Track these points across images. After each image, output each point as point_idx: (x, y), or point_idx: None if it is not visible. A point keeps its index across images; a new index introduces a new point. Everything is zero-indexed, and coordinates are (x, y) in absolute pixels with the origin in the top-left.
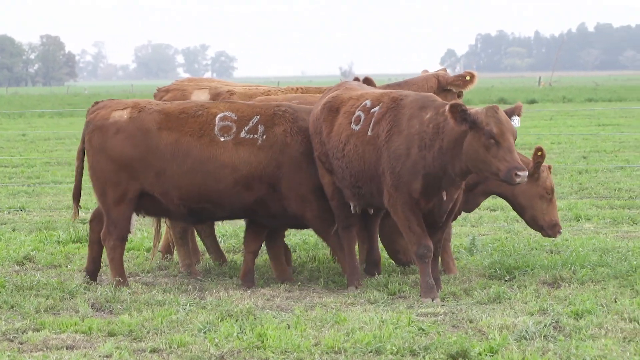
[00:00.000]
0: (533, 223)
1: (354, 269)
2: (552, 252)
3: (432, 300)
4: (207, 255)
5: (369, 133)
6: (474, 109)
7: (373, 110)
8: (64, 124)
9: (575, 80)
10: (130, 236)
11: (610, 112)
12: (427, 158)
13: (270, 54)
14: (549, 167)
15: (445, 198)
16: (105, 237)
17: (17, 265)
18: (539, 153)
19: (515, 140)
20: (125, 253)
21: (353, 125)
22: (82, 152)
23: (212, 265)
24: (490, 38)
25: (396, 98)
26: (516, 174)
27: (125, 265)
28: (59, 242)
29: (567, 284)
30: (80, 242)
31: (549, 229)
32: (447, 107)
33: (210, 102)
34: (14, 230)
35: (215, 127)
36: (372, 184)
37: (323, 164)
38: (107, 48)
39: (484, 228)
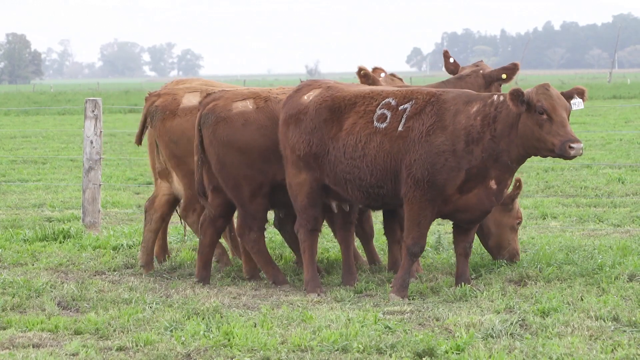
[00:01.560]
0: (496, 250)
1: (315, 276)
2: (524, 251)
3: (402, 299)
4: (174, 254)
5: (400, 128)
6: (527, 89)
7: (402, 107)
8: (30, 122)
9: (542, 78)
10: (96, 234)
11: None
12: (474, 152)
13: (237, 52)
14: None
15: (495, 187)
16: (244, 231)
17: None
18: (517, 184)
19: (569, 116)
20: (92, 251)
21: (377, 124)
22: (200, 145)
23: (179, 263)
24: (456, 36)
25: (435, 93)
26: (570, 146)
27: (91, 263)
28: (25, 240)
29: (533, 282)
30: (47, 240)
31: (513, 257)
32: (508, 94)
33: None
34: None
35: None
36: (396, 181)
37: (306, 164)
38: (73, 46)
39: (450, 226)
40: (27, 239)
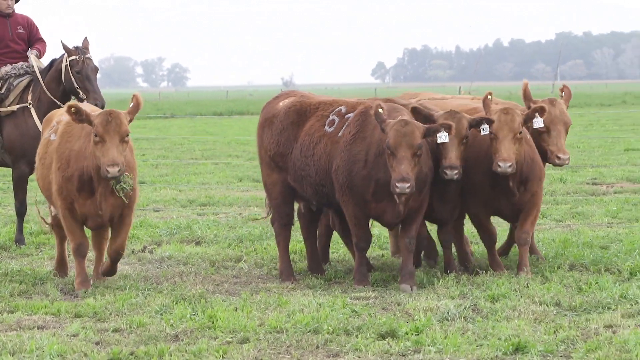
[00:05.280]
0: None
1: (288, 265)
2: (472, 243)
3: (364, 287)
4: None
5: (339, 134)
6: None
7: (348, 115)
8: None
9: (492, 89)
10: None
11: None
12: (379, 163)
13: (220, 66)
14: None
15: (399, 200)
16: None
17: None
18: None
19: (413, 153)
20: (90, 243)
21: (327, 128)
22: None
23: (170, 254)
24: (416, 52)
25: (369, 106)
26: (395, 185)
27: (89, 254)
28: (30, 233)
29: (484, 271)
30: (51, 234)
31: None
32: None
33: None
34: None
35: None
36: (332, 182)
37: (276, 164)
38: None
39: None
40: (33, 232)
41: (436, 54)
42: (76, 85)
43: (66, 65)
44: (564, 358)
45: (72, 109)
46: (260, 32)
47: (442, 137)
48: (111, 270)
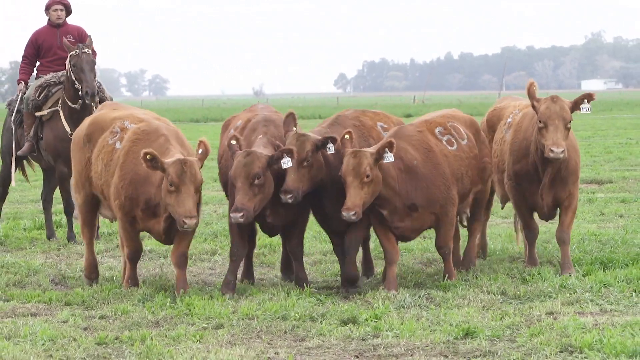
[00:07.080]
0: None
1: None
2: (424, 238)
3: (230, 295)
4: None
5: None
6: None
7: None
8: None
9: (443, 98)
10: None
11: None
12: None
13: (196, 76)
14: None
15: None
16: None
17: None
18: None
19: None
20: (79, 238)
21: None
22: None
23: (152, 248)
24: (374, 64)
25: (250, 119)
26: (229, 214)
27: (78, 247)
28: (24, 229)
29: (437, 264)
30: (42, 229)
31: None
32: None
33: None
34: None
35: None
36: None
37: None
38: None
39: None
40: (27, 228)
41: (392, 66)
42: (73, 78)
43: (69, 62)
44: (509, 342)
45: (148, 155)
46: (234, 44)
47: (286, 162)
48: (182, 278)
